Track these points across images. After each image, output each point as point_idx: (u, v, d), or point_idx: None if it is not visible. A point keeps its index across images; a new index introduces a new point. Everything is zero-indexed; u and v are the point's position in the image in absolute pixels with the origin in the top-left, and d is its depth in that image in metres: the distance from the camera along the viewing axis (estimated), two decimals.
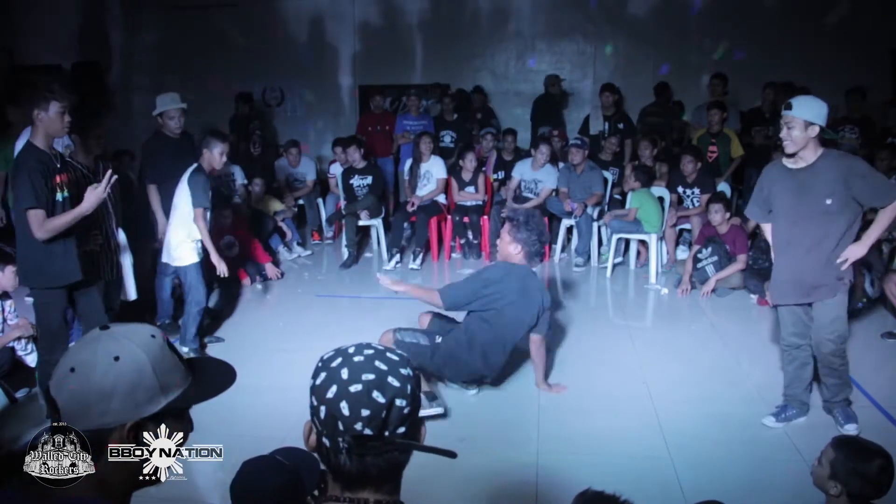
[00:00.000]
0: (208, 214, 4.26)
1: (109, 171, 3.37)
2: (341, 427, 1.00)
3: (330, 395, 1.01)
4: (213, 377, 1.18)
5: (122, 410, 1.05)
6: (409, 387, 1.04)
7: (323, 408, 1.01)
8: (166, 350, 1.12)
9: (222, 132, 4.54)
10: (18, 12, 9.42)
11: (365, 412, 0.99)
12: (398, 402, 1.01)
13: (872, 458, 2.12)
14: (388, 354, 1.07)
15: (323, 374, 1.04)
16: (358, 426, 0.99)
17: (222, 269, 4.33)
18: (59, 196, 3.36)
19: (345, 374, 1.02)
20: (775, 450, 3.30)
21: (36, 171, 3.24)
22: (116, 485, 1.09)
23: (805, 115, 3.12)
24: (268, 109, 9.32)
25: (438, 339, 3.73)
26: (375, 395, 1.00)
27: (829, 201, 3.18)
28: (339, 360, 1.05)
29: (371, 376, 1.02)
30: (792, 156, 3.25)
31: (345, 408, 1.00)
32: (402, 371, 1.04)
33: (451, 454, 1.05)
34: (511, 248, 3.77)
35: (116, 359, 1.05)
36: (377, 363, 1.04)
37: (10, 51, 9.30)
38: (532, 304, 3.69)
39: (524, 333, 3.77)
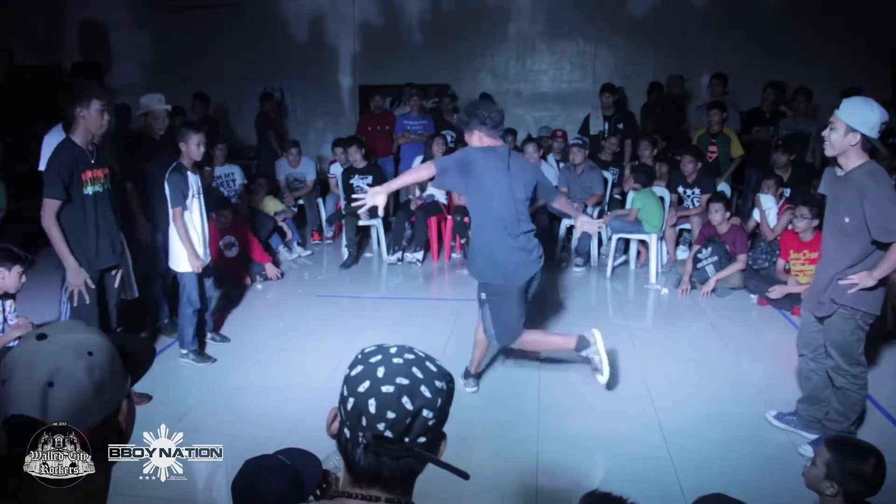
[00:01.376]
0: (186, 214, 4.19)
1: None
2: (364, 423, 1.00)
3: (361, 389, 1.01)
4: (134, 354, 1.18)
5: (114, 396, 1.07)
6: (439, 400, 1.04)
7: (352, 399, 1.02)
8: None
9: (196, 123, 4.45)
10: (18, 12, 9.43)
11: (390, 415, 1.00)
12: (425, 412, 1.02)
13: (867, 457, 2.11)
14: (428, 364, 1.07)
15: (359, 367, 1.04)
16: (380, 426, 1.00)
17: (196, 265, 4.23)
18: (87, 190, 3.54)
19: (380, 372, 1.02)
20: (775, 450, 3.30)
21: (64, 165, 3.44)
22: (97, 489, 1.09)
23: (847, 118, 2.88)
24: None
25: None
26: (405, 400, 1.00)
27: (847, 219, 2.97)
28: (379, 357, 1.05)
29: (405, 381, 1.02)
30: (835, 161, 3.02)
31: (372, 405, 1.00)
32: (437, 383, 1.05)
33: (465, 475, 1.05)
34: (474, 140, 3.53)
35: (90, 353, 1.04)
36: (414, 370, 1.04)
37: (10, 51, 9.30)
38: (522, 175, 3.57)
39: (524, 202, 3.61)
